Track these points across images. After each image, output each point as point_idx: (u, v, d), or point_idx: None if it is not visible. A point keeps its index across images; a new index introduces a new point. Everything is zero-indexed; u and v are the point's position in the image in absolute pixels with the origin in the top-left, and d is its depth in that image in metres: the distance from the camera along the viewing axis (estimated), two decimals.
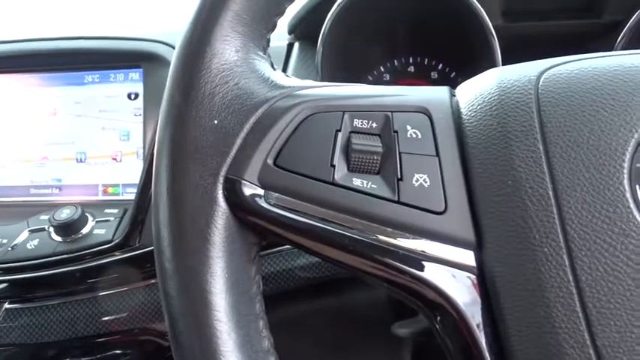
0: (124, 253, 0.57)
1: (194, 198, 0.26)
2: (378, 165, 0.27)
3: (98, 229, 0.58)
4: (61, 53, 0.70)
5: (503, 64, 0.58)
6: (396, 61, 0.70)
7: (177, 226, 0.26)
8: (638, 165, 0.24)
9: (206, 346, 0.25)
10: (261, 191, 0.27)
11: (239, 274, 0.27)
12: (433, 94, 0.30)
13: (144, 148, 0.67)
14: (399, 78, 0.71)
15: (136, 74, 0.69)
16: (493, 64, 0.58)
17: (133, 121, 0.69)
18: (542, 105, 0.26)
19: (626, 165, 0.24)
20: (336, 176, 0.27)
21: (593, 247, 0.23)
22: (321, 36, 0.60)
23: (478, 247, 0.26)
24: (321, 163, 0.27)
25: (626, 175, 0.24)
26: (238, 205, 0.27)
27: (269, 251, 0.57)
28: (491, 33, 0.58)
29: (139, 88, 0.69)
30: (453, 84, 0.68)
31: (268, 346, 0.27)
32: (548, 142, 0.25)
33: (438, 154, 0.27)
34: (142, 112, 0.69)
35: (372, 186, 0.27)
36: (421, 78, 0.69)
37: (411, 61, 0.69)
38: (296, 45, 0.72)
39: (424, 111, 0.29)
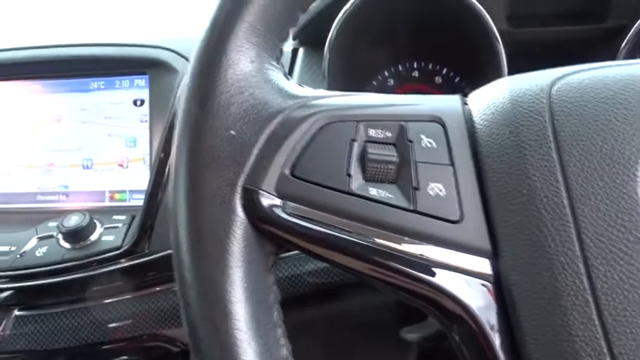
0: (134, 259, 0.57)
1: (212, 208, 0.27)
2: (393, 174, 0.28)
3: (107, 236, 0.58)
4: (65, 60, 0.71)
5: (508, 70, 0.59)
6: (400, 66, 0.71)
7: (196, 236, 0.26)
8: None
9: (226, 355, 0.25)
10: (278, 201, 0.27)
11: (257, 283, 0.27)
12: (446, 103, 0.30)
13: (150, 154, 0.67)
14: (404, 83, 0.71)
15: (141, 81, 0.70)
16: (499, 70, 0.58)
17: (139, 127, 0.69)
18: (555, 114, 0.27)
19: (639, 173, 0.24)
20: (352, 186, 0.27)
21: (609, 255, 0.23)
22: (327, 42, 0.61)
23: (494, 256, 0.26)
24: (338, 173, 0.28)
25: (639, 184, 0.24)
26: (256, 215, 0.27)
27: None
28: (497, 38, 0.59)
29: (144, 94, 0.69)
30: (458, 89, 0.69)
31: (287, 354, 0.27)
32: (562, 151, 0.26)
33: (452, 164, 0.28)
34: (147, 118, 0.69)
35: (389, 195, 0.27)
36: (425, 83, 0.70)
37: (415, 65, 0.70)
38: (301, 50, 0.72)
39: (438, 120, 0.29)
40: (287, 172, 0.28)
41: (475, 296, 0.26)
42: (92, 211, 0.62)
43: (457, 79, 0.68)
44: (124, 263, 0.57)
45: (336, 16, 0.61)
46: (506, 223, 0.26)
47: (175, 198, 0.27)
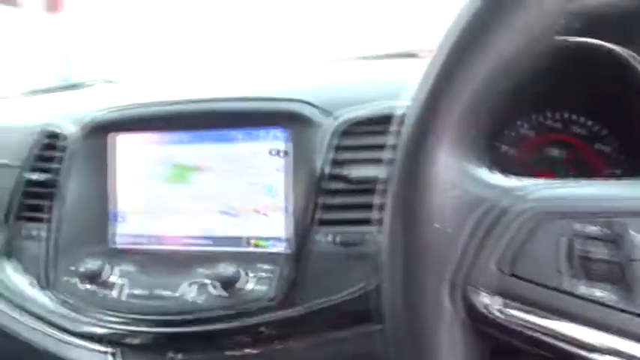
0: (286, 310, 0.59)
1: (427, 308, 0.27)
2: (617, 274, 0.27)
3: (258, 285, 0.61)
4: (206, 115, 0.76)
5: None
6: (538, 115, 0.69)
7: (414, 334, 0.27)
8: None
9: None
10: (497, 300, 0.27)
11: None
12: None
13: (288, 203, 0.69)
14: (542, 132, 0.69)
15: (279, 132, 0.73)
16: None
17: (275, 176, 0.72)
18: None
19: None
20: (573, 286, 0.27)
21: None
22: None
23: None
24: (557, 272, 0.27)
25: None
26: (472, 313, 0.27)
27: None
28: None
29: (280, 145, 0.73)
30: (604, 141, 0.65)
31: None
32: None
33: None
34: (283, 168, 0.72)
35: (613, 297, 0.26)
36: (567, 134, 0.67)
37: (557, 116, 0.68)
38: None
39: None
40: (505, 269, 0.28)
41: None
42: (236, 257, 0.65)
43: (605, 132, 0.65)
44: (278, 315, 0.59)
45: None
46: None
47: (392, 296, 0.29)
